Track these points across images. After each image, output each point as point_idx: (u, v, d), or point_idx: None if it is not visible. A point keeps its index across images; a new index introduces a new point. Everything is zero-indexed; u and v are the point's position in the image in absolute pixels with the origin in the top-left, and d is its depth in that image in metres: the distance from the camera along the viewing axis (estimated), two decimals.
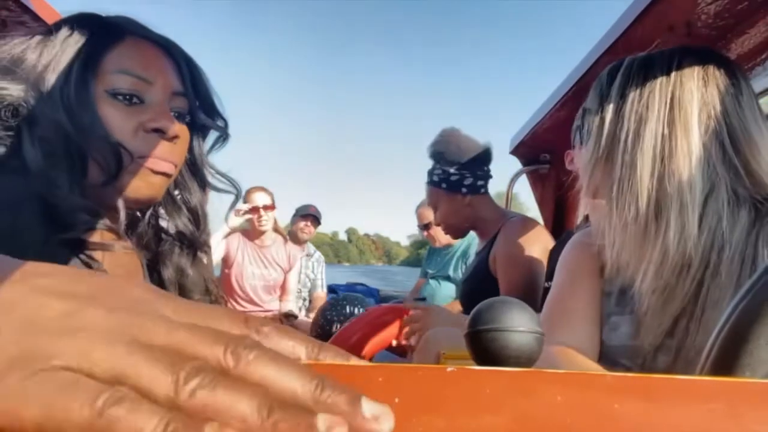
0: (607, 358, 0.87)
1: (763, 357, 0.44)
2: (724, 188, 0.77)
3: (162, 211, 0.81)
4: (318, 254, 3.97)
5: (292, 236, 3.82)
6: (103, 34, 0.69)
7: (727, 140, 0.78)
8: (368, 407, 0.21)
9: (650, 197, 0.78)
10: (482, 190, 1.90)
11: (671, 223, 0.76)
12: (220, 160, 0.85)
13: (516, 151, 2.28)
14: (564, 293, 0.96)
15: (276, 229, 3.37)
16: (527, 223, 1.83)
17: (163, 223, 0.81)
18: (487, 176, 1.92)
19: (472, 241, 3.22)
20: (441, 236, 3.28)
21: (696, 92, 0.78)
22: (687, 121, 0.78)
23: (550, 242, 1.76)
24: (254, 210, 3.11)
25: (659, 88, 0.80)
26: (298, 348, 0.25)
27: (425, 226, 3.34)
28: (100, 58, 0.68)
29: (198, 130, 0.80)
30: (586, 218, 1.55)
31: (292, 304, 3.41)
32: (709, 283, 0.76)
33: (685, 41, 1.06)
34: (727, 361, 0.46)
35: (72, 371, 0.21)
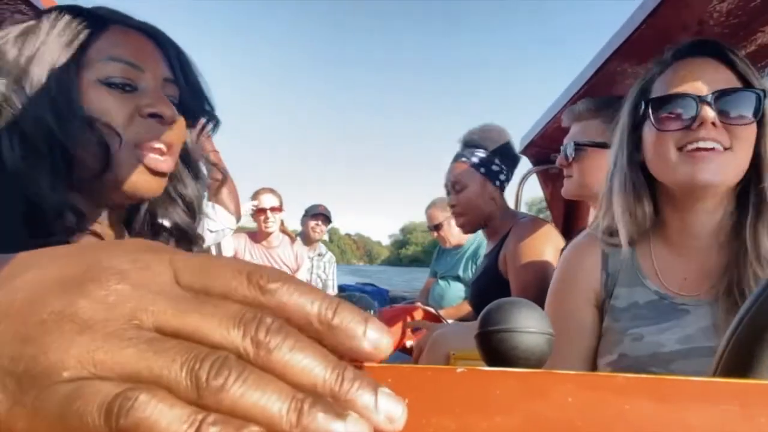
0: (635, 368, 0.87)
1: None
2: None
3: (157, 204, 0.79)
4: (330, 255, 3.98)
5: (304, 236, 3.83)
6: (87, 23, 0.67)
7: None
8: (384, 404, 0.21)
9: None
10: (504, 190, 1.96)
11: None
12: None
13: (526, 151, 2.27)
14: (559, 303, 0.99)
15: (283, 230, 3.37)
16: (538, 224, 1.83)
17: (160, 218, 0.80)
18: (511, 178, 1.99)
19: (482, 242, 3.21)
20: (451, 237, 3.28)
21: None
22: None
23: (561, 242, 1.75)
24: (261, 211, 3.12)
25: None
26: (309, 307, 0.23)
27: (435, 227, 3.34)
28: (86, 48, 0.66)
29: (189, 118, 0.78)
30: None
31: None
32: None
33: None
34: (740, 363, 0.46)
35: (83, 379, 0.19)
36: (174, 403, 0.19)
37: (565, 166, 1.44)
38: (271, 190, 3.24)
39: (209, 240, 1.71)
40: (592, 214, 1.94)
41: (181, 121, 0.73)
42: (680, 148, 0.83)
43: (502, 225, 1.90)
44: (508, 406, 0.26)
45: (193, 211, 0.80)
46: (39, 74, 0.63)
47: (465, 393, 0.26)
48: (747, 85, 0.83)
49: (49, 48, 0.64)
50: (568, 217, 2.24)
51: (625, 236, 0.91)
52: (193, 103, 0.76)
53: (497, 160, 1.92)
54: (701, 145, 0.81)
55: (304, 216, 3.95)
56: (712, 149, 0.81)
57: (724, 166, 0.81)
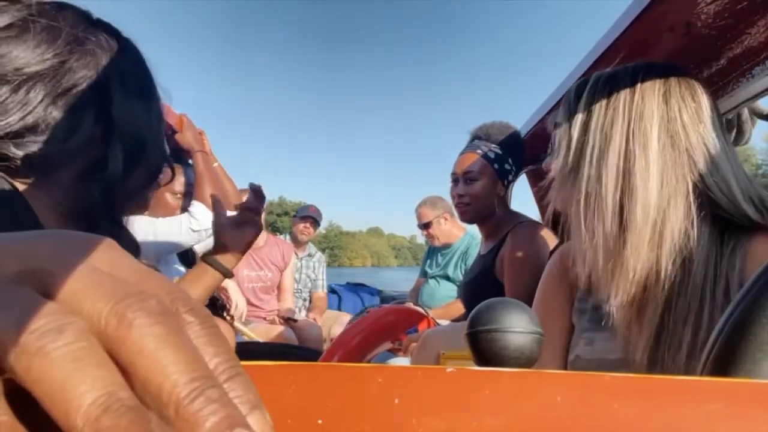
0: (584, 370, 0.88)
1: (762, 355, 0.44)
2: (684, 204, 0.78)
3: None
4: (319, 254, 3.97)
5: (292, 238, 3.82)
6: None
7: (687, 156, 0.79)
8: None
9: (614, 212, 0.80)
10: (507, 190, 1.98)
11: (634, 237, 0.78)
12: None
13: None
14: (543, 303, 1.02)
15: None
16: (538, 228, 1.83)
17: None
18: (515, 180, 2.02)
19: (472, 241, 3.22)
20: (440, 235, 3.29)
21: (656, 108, 0.80)
22: (646, 137, 0.79)
23: None
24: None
25: (623, 104, 0.82)
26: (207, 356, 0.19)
27: (425, 225, 3.34)
28: None
29: None
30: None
31: (290, 304, 3.40)
32: (675, 298, 0.77)
33: (685, 41, 1.06)
34: (726, 362, 0.46)
35: None
36: None
37: None
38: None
39: (190, 240, 1.65)
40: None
41: None
42: None
43: (503, 225, 1.90)
44: (498, 405, 0.26)
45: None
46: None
47: (455, 393, 0.26)
48: None
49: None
50: (557, 217, 2.25)
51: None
52: None
53: (510, 160, 1.93)
54: None
55: (294, 217, 3.94)
56: None
57: None
